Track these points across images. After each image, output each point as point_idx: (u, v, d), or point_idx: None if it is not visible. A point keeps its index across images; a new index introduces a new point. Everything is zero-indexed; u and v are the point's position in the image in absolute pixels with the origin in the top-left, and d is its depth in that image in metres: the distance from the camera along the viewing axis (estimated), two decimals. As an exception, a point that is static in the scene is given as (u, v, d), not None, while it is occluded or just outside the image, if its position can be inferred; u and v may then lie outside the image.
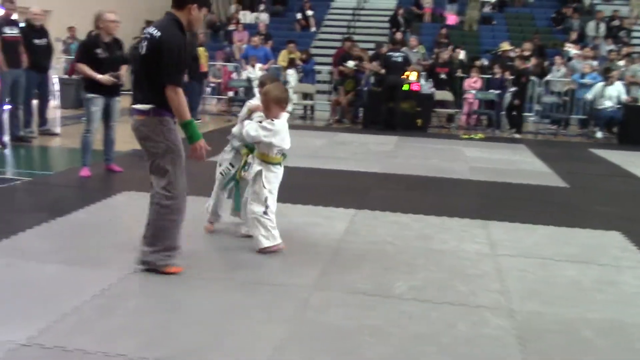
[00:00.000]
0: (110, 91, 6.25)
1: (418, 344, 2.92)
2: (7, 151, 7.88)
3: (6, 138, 8.22)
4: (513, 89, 11.62)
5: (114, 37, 6.30)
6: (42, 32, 8.75)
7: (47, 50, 8.98)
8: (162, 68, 3.50)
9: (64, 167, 7.00)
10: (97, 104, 6.18)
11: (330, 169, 7.42)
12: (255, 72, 12.44)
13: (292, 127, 9.50)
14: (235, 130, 4.41)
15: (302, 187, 6.31)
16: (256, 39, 13.53)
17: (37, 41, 8.56)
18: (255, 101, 4.34)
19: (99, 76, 6.05)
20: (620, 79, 11.88)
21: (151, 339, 2.83)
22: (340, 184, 6.58)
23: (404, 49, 13.08)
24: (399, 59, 11.59)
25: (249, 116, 4.25)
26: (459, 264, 4.10)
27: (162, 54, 3.49)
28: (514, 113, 11.82)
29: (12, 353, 2.64)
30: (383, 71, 11.68)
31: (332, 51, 14.27)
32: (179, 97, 3.51)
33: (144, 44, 3.59)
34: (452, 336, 3.02)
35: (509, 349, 2.92)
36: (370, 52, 13.15)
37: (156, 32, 3.55)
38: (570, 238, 4.85)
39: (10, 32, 8.11)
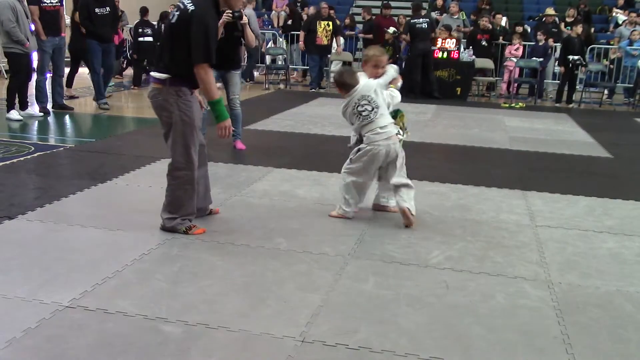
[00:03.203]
0: (226, 65, 6.04)
1: (454, 314, 2.91)
2: (50, 118, 8.04)
3: (49, 105, 8.39)
4: (575, 57, 11.20)
5: None
6: (104, 1, 8.55)
7: (110, 19, 8.75)
8: (191, 44, 3.47)
9: (105, 135, 7.12)
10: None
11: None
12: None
13: (329, 95, 9.52)
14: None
15: (339, 156, 6.30)
16: None
17: (98, 10, 8.44)
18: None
19: None
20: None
21: (189, 304, 2.88)
22: (378, 153, 6.53)
23: (444, 15, 12.83)
24: (424, 26, 11.40)
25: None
26: (497, 235, 4.05)
27: (191, 28, 3.47)
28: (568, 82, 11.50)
29: (57, 314, 2.72)
30: (407, 38, 11.54)
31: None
32: (207, 76, 3.51)
33: (176, 13, 3.60)
34: (489, 307, 3.00)
35: (547, 321, 2.89)
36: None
37: (190, 5, 3.53)
38: (612, 210, 4.75)
39: (49, 1, 8.19)
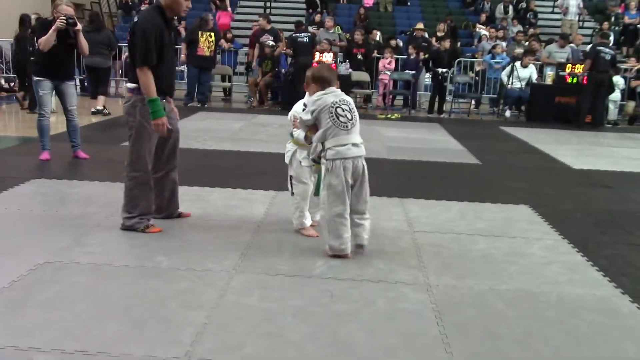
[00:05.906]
0: (60, 75, 5.94)
1: (339, 322, 2.96)
2: None
3: None
4: (443, 70, 11.82)
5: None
6: None
7: None
8: (135, 50, 3.88)
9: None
10: (45, 87, 5.95)
11: (249, 151, 7.37)
12: None
13: (211, 109, 9.44)
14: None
15: (221, 170, 6.26)
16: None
17: None
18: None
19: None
20: (536, 59, 12.39)
21: (67, 331, 2.73)
22: (260, 166, 6.54)
23: (320, 29, 13.11)
24: (306, 40, 11.67)
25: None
26: (378, 242, 4.17)
27: (134, 36, 3.89)
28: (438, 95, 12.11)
29: None
30: (290, 52, 11.73)
31: (248, 32, 14.12)
32: (145, 76, 3.86)
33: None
34: (372, 312, 3.09)
35: (427, 322, 3.01)
36: (287, 34, 13.10)
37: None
38: (482, 213, 5.04)
39: None
